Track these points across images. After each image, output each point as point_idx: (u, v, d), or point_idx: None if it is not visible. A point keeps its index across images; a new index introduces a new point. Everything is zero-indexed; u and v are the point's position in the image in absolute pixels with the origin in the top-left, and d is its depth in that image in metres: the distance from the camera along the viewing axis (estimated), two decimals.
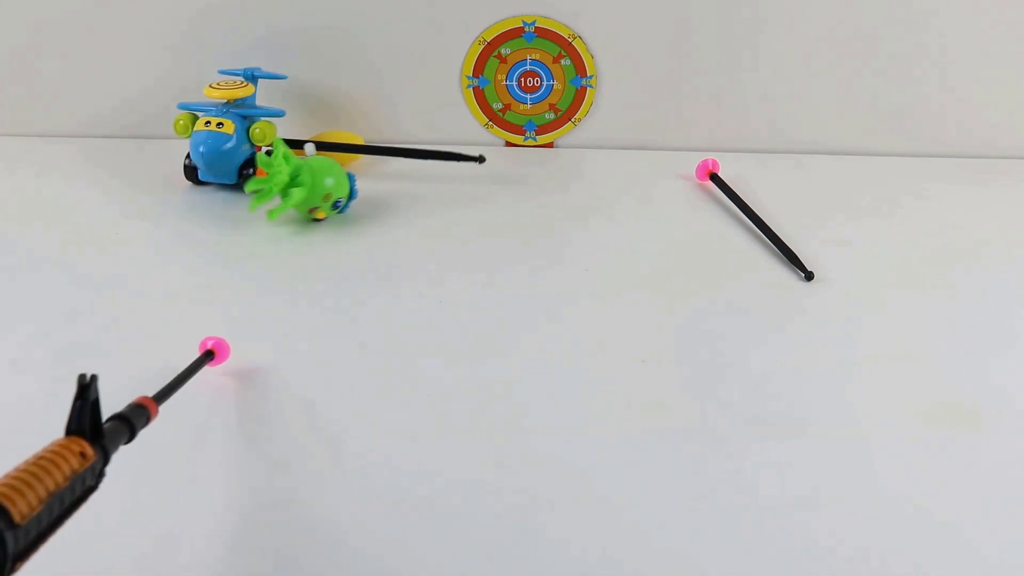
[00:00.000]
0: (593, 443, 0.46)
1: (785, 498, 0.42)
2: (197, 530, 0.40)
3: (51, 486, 0.29)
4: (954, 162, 0.81)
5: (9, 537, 0.27)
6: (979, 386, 0.50)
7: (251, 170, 0.71)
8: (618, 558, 0.39)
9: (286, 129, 0.77)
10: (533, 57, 0.82)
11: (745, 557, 0.39)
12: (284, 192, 0.65)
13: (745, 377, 0.51)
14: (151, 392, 0.39)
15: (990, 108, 0.81)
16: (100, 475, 0.33)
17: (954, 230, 0.69)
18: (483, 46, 0.82)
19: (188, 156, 0.74)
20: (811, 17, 0.79)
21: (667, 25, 0.80)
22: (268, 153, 0.65)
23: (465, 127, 0.84)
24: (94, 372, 0.33)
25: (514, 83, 0.83)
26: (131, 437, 0.36)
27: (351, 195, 0.69)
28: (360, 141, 0.80)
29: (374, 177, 0.77)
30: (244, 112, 0.72)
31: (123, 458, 0.35)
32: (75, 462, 0.31)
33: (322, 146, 0.76)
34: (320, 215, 0.67)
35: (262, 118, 0.73)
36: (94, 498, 0.32)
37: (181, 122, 0.72)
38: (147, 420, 0.37)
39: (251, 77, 0.75)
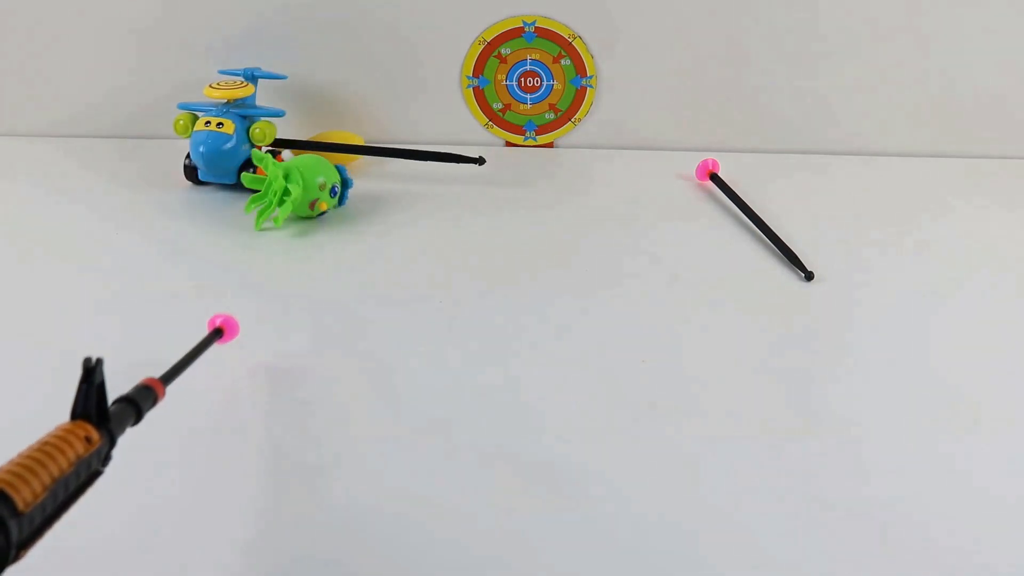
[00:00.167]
0: (592, 443, 0.46)
1: (785, 498, 0.42)
2: (195, 529, 0.40)
3: (55, 472, 0.29)
4: (955, 162, 0.81)
5: (12, 525, 0.26)
6: (979, 386, 0.50)
7: (252, 169, 0.71)
8: (612, 559, 0.39)
9: (286, 129, 0.77)
10: (533, 57, 0.82)
11: (744, 558, 0.39)
12: (282, 199, 0.65)
13: (745, 377, 0.51)
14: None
15: (991, 108, 0.81)
16: (106, 459, 0.32)
17: (955, 230, 0.69)
18: (483, 46, 0.82)
19: (188, 156, 0.73)
20: (811, 17, 0.79)
21: (667, 25, 0.80)
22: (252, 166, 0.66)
23: (465, 127, 0.84)
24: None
25: (514, 83, 0.83)
26: (138, 419, 0.35)
27: (346, 183, 0.69)
28: (360, 141, 0.80)
29: (374, 178, 0.77)
30: (244, 112, 0.72)
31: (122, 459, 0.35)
32: (80, 447, 0.30)
33: (322, 146, 0.76)
34: (323, 206, 0.67)
35: (262, 118, 0.73)
36: (96, 498, 0.32)
37: (181, 122, 0.72)
38: (154, 402, 0.37)
39: (251, 77, 0.75)
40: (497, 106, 0.84)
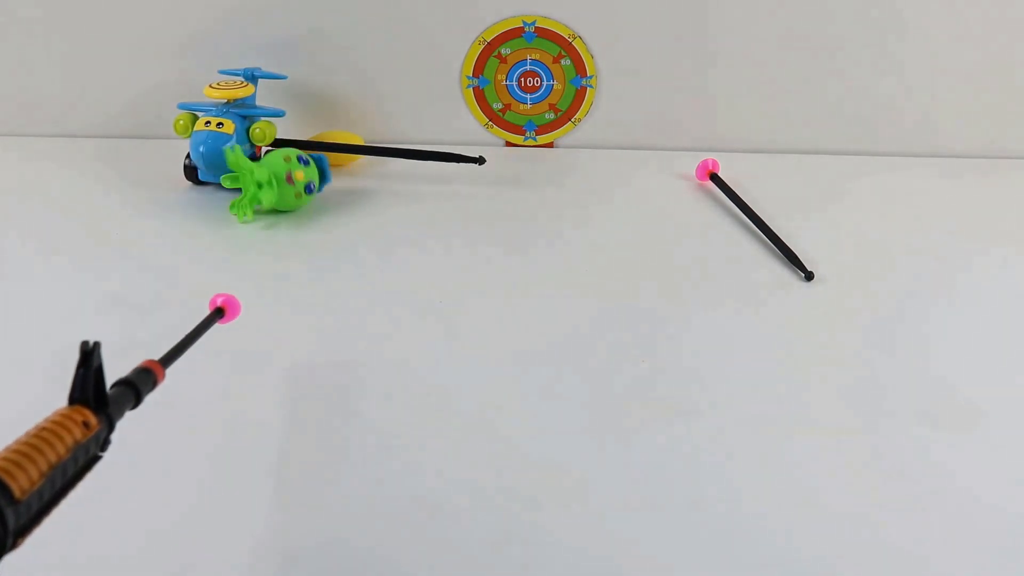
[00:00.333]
0: (592, 443, 0.46)
1: (787, 499, 0.42)
2: (194, 528, 0.40)
3: (53, 458, 0.28)
4: (956, 162, 0.81)
5: (10, 513, 0.26)
6: (979, 386, 0.50)
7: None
8: (612, 560, 0.39)
9: (286, 129, 0.77)
10: (533, 57, 0.82)
11: (745, 557, 0.39)
12: (256, 195, 0.67)
13: (745, 377, 0.51)
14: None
15: (991, 109, 0.81)
16: (105, 444, 0.32)
17: (955, 230, 0.69)
18: (483, 46, 0.82)
19: (188, 156, 0.73)
20: (811, 17, 0.79)
21: (667, 25, 0.80)
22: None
23: (465, 127, 0.84)
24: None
25: (514, 83, 0.83)
26: (137, 402, 0.35)
27: (310, 162, 0.70)
28: (360, 141, 0.80)
29: (374, 177, 0.77)
30: (244, 112, 0.72)
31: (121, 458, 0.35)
32: (78, 432, 0.30)
33: (322, 146, 0.76)
34: (299, 175, 0.68)
35: (262, 118, 0.73)
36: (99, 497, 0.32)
37: (181, 122, 0.72)
38: (154, 384, 0.36)
39: (251, 77, 0.75)
40: (497, 106, 0.84)
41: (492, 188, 0.76)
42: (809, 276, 0.61)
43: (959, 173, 0.79)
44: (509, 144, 0.85)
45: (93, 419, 0.31)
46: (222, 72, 0.77)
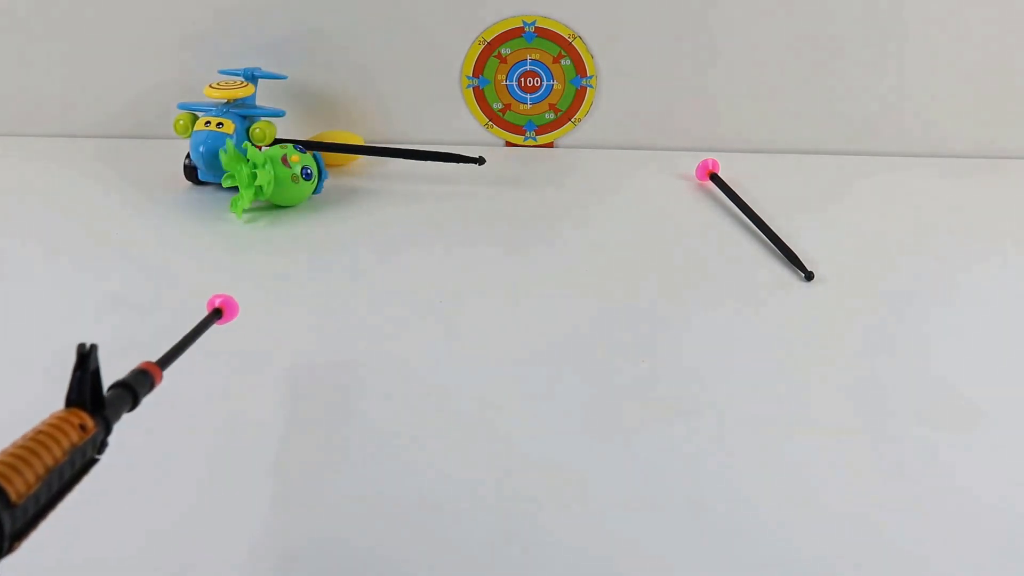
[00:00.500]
0: (592, 443, 0.46)
1: (787, 498, 0.42)
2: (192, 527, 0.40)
3: (49, 462, 0.28)
4: (956, 162, 0.81)
5: (6, 517, 0.26)
6: (980, 386, 0.50)
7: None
8: (611, 560, 0.39)
9: (286, 129, 0.77)
10: (533, 57, 0.82)
11: (745, 557, 0.39)
12: (252, 185, 0.67)
13: (745, 377, 0.51)
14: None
15: (991, 109, 0.81)
16: (102, 446, 0.32)
17: (955, 230, 0.69)
18: (483, 46, 0.82)
19: (188, 156, 0.74)
20: (810, 17, 0.79)
21: (667, 25, 0.80)
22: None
23: (465, 127, 0.84)
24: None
25: (514, 83, 0.83)
26: (135, 405, 0.35)
27: (306, 151, 0.71)
28: (360, 141, 0.80)
29: (374, 177, 0.77)
30: (244, 112, 0.72)
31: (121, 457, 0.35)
32: (74, 435, 0.30)
33: (322, 146, 0.76)
34: (295, 159, 0.69)
35: (262, 118, 0.73)
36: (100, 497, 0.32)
37: (181, 122, 0.72)
38: (151, 386, 0.36)
39: (251, 77, 0.75)
40: (497, 106, 0.84)
41: (492, 188, 0.76)
42: (809, 276, 0.61)
43: (959, 173, 0.79)
44: (509, 144, 0.85)
45: (90, 422, 0.31)
46: (222, 72, 0.77)
